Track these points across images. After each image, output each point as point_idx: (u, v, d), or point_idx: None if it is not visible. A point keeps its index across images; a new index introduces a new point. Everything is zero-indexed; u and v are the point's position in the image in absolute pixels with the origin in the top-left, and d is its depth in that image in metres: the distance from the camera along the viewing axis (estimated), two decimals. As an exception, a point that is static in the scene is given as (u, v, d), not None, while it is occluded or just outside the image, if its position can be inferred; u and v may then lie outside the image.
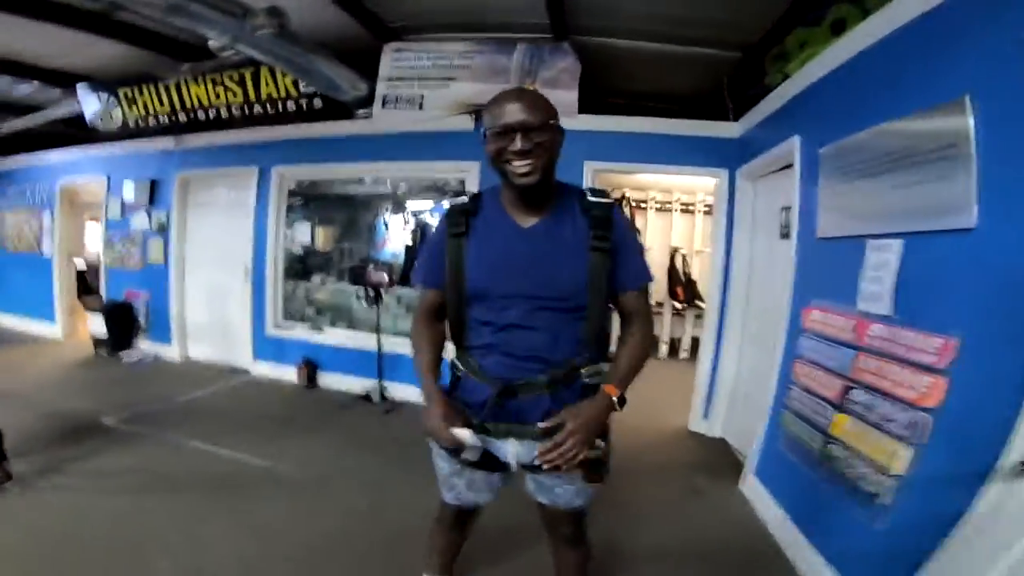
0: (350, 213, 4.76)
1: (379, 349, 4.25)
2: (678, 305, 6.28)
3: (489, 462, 1.38)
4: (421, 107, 3.77)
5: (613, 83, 4.09)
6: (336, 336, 4.70)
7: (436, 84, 3.73)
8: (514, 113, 1.17)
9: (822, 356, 2.28)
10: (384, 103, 3.82)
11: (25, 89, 5.04)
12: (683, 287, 6.15)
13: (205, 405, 4.08)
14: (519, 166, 1.18)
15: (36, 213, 6.37)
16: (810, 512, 2.24)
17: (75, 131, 5.48)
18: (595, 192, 1.30)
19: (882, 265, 1.95)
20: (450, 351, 1.40)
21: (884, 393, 1.84)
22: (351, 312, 4.74)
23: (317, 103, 4.08)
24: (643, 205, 6.62)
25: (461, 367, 1.35)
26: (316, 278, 4.88)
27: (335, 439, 3.45)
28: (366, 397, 4.25)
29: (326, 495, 2.70)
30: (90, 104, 4.98)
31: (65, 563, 1.99)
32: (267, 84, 4.14)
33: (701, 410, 3.89)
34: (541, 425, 1.20)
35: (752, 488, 2.79)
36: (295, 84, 4.04)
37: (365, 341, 4.45)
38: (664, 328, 6.50)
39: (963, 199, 1.57)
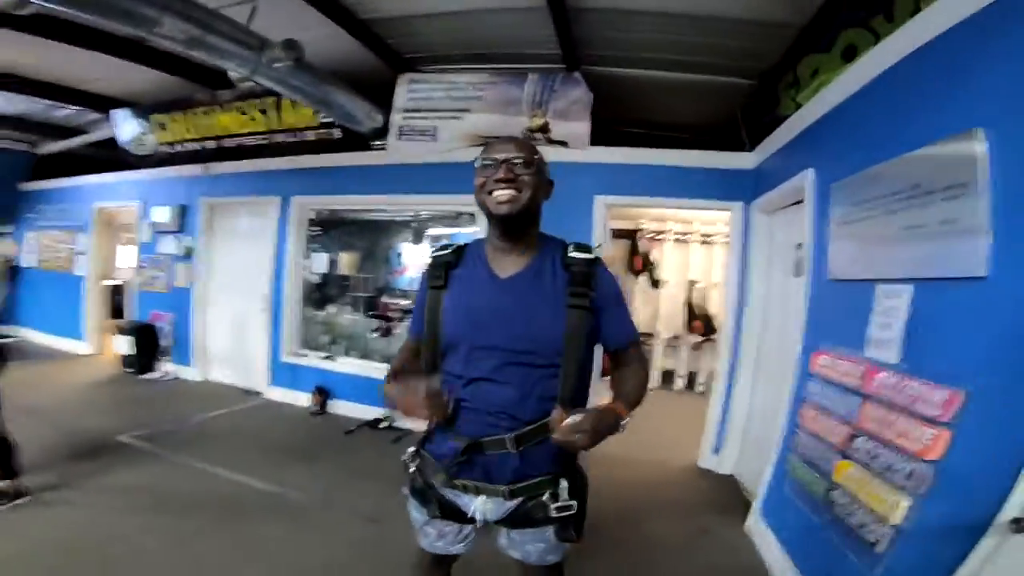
0: (367, 242, 4.86)
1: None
2: (696, 339, 6.17)
3: (458, 515, 1.36)
4: (435, 138, 3.85)
5: (626, 113, 4.11)
6: (348, 365, 4.74)
7: (450, 115, 3.80)
8: (503, 150, 1.24)
9: (829, 401, 2.22)
10: (400, 134, 3.91)
11: (64, 113, 5.36)
12: (701, 320, 6.05)
13: (218, 427, 4.14)
14: (499, 194, 1.21)
15: (71, 234, 6.65)
16: (811, 558, 2.16)
17: (112, 155, 5.75)
18: (578, 247, 1.28)
19: (891, 311, 1.90)
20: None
21: (887, 443, 1.78)
22: (364, 341, 4.79)
23: (336, 133, 4.22)
24: (660, 237, 6.59)
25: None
26: (331, 307, 4.96)
27: (341, 466, 3.45)
28: (374, 424, 4.25)
29: (327, 523, 2.69)
30: (124, 129, 5.23)
31: (62, 572, 2.02)
32: (289, 114, 4.30)
33: (712, 446, 3.79)
34: (555, 415, 1.11)
35: (758, 530, 2.69)
36: (315, 114, 4.17)
37: (375, 371, 4.48)
38: (681, 362, 6.39)
39: (974, 245, 1.51)
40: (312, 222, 4.99)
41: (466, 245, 1.38)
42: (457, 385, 1.26)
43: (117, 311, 6.70)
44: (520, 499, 1.29)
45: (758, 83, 3.44)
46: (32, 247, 7.02)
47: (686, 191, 3.80)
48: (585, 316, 1.22)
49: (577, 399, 1.27)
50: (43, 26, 3.37)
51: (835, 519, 1.98)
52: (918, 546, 1.58)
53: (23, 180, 7.15)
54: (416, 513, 1.45)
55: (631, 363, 1.35)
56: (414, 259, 4.65)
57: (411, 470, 1.39)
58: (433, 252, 1.38)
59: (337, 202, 4.81)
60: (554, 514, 1.25)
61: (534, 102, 3.65)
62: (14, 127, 6.08)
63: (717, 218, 5.97)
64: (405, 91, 3.92)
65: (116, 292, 7.04)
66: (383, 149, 4.11)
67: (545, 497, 1.26)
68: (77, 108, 5.34)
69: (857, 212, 2.16)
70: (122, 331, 5.60)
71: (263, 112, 4.43)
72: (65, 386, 4.99)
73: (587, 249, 1.28)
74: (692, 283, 6.21)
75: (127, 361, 5.57)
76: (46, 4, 2.24)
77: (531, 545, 1.36)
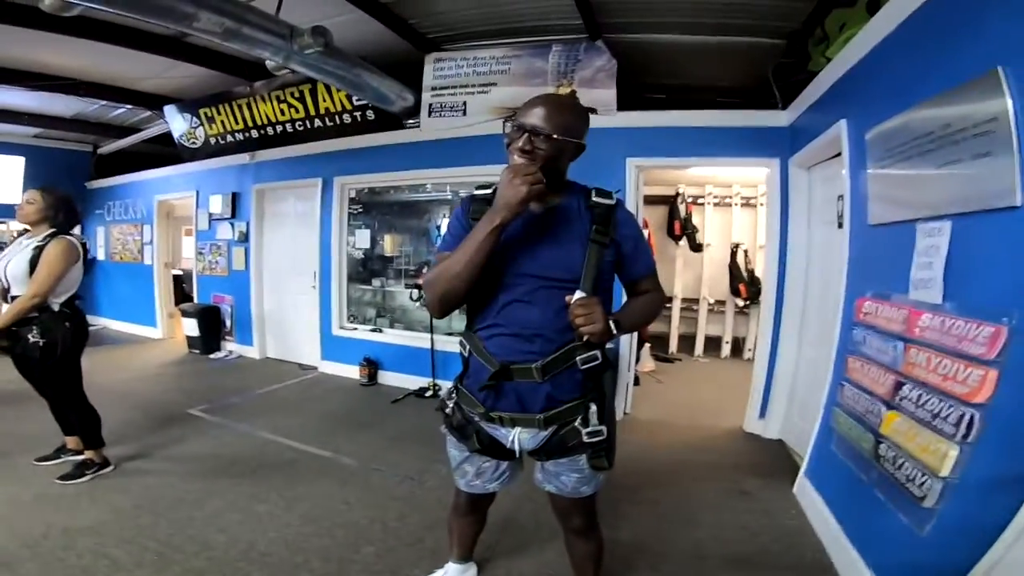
0: (408, 218, 4.98)
1: (432, 348, 4.41)
2: (741, 303, 6.02)
3: (496, 449, 1.45)
4: (464, 113, 3.90)
5: (654, 78, 4.04)
6: (394, 336, 4.92)
7: (477, 90, 3.85)
8: (532, 116, 1.28)
9: (874, 350, 2.15)
10: (430, 112, 3.98)
11: (118, 112, 5.70)
12: (746, 284, 5.88)
13: (277, 399, 4.41)
14: (518, 160, 1.29)
15: (138, 227, 7.12)
16: (858, 517, 2.11)
17: (170, 150, 6.08)
18: (600, 193, 1.39)
19: (931, 250, 1.82)
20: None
21: (934, 388, 1.71)
22: (408, 314, 4.94)
23: (370, 115, 4.32)
24: (700, 201, 6.41)
25: (468, 346, 1.41)
26: (376, 282, 5.13)
27: (387, 432, 3.62)
28: (419, 394, 4.42)
29: (373, 483, 2.85)
30: (177, 124, 5.52)
31: (137, 538, 2.23)
32: (324, 99, 4.43)
33: (757, 410, 3.73)
34: (569, 298, 1.26)
35: (804, 492, 2.65)
36: (349, 98, 4.29)
37: (420, 341, 4.63)
38: (726, 327, 6.26)
39: (1007, 177, 1.44)
40: (353, 201, 5.16)
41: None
42: (491, 310, 1.36)
43: (184, 296, 7.16)
44: (554, 427, 1.37)
45: (787, 42, 3.35)
46: (102, 242, 7.55)
47: (720, 150, 3.72)
48: (603, 251, 1.32)
49: None
50: (92, 28, 3.58)
51: (882, 475, 1.92)
52: (969, 498, 1.51)
53: (88, 179, 7.67)
54: (454, 451, 1.55)
55: (644, 292, 1.49)
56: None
57: (449, 407, 1.49)
58: (475, 190, 1.48)
59: (375, 180, 4.95)
60: (586, 439, 1.34)
61: (559, 72, 3.66)
62: (74, 128, 6.52)
63: (757, 180, 5.78)
64: (432, 70, 3.99)
65: (181, 279, 7.52)
66: (416, 127, 4.18)
67: (577, 423, 1.35)
68: (130, 107, 5.68)
69: (892, 157, 2.08)
70: (188, 315, 6.00)
71: (300, 99, 4.59)
72: (140, 367, 5.42)
73: (608, 195, 1.39)
74: (736, 246, 6.03)
75: (194, 342, 5.97)
76: (89, 5, 2.39)
77: (566, 476, 1.43)
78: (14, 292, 2.56)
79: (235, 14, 2.76)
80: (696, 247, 6.27)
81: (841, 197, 2.80)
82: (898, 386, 1.93)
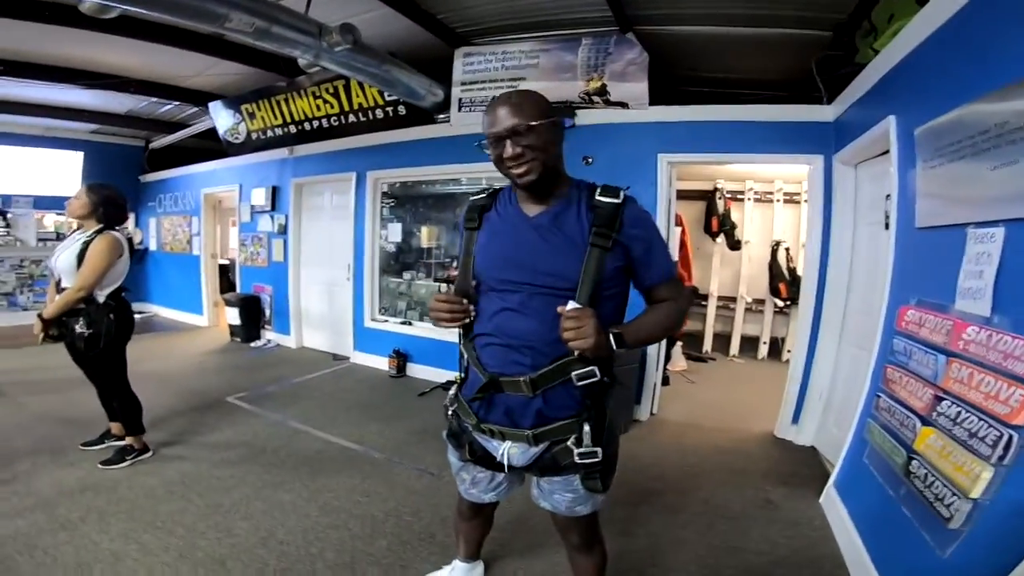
0: (439, 212, 5.00)
1: (460, 342, 4.42)
2: (780, 303, 5.78)
3: (489, 461, 1.42)
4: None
5: (688, 72, 3.90)
6: (423, 330, 4.95)
7: (506, 85, 3.80)
8: (502, 120, 1.21)
9: (914, 361, 2.01)
10: (460, 106, 3.97)
11: (166, 108, 5.93)
12: (787, 284, 5.64)
13: (309, 389, 4.51)
14: (516, 172, 1.24)
15: (187, 218, 7.41)
16: (882, 534, 2.01)
17: (216, 145, 6.31)
18: (606, 191, 1.27)
19: (982, 257, 1.68)
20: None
21: (974, 406, 1.59)
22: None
23: (401, 110, 4.36)
24: (739, 196, 6.18)
25: (465, 356, 1.39)
26: (407, 275, 5.19)
27: (412, 425, 3.65)
28: (446, 387, 4.43)
29: (393, 476, 2.88)
30: (221, 120, 5.71)
31: (166, 523, 2.32)
32: (357, 95, 4.48)
33: (790, 415, 3.58)
34: (561, 308, 1.17)
35: (831, 503, 2.53)
36: (380, 93, 4.32)
37: (448, 335, 4.64)
38: (764, 327, 6.03)
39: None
40: (386, 195, 5.21)
41: (500, 189, 1.42)
42: (485, 318, 1.31)
43: (229, 286, 7.43)
44: (545, 444, 1.31)
45: (833, 34, 3.18)
46: (154, 232, 7.90)
47: (760, 146, 3.54)
48: (605, 255, 1.22)
49: None
50: (137, 28, 3.71)
51: (911, 493, 1.82)
52: (997, 522, 1.42)
53: (141, 172, 8.03)
54: (452, 457, 1.54)
55: (662, 301, 1.34)
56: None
57: (449, 413, 1.46)
58: (471, 196, 1.44)
59: (407, 174, 4.98)
60: (578, 460, 1.27)
61: (589, 66, 3.58)
62: (128, 124, 6.82)
63: (801, 176, 5.52)
64: (461, 64, 3.98)
65: (226, 269, 7.80)
66: (446, 122, 4.17)
67: (570, 442, 1.28)
68: (177, 103, 5.90)
69: (943, 156, 1.94)
70: (230, 304, 6.22)
71: (335, 94, 4.67)
72: (184, 354, 5.65)
73: (614, 192, 1.26)
74: (776, 244, 5.79)
75: (235, 331, 6.19)
76: (125, 7, 2.47)
77: (559, 495, 1.38)
78: (64, 284, 2.69)
79: (265, 13, 2.80)
80: (734, 244, 6.06)
81: (888, 197, 2.64)
82: (936, 401, 1.81)
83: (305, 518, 2.41)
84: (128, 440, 2.93)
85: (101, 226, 2.75)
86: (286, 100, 5.05)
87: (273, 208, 6.06)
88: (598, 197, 1.26)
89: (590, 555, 1.54)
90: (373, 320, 5.26)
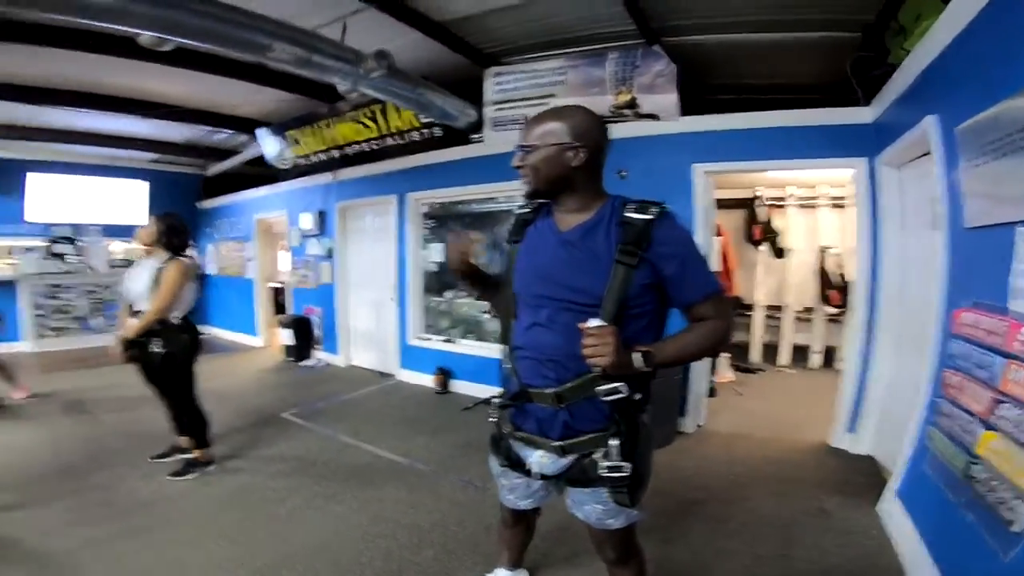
0: (479, 230, 5.07)
1: (502, 360, 4.47)
2: (832, 311, 5.59)
3: (524, 468, 1.46)
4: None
5: (719, 80, 3.88)
6: (466, 347, 5.05)
7: (536, 102, 3.88)
8: (521, 135, 1.35)
9: (971, 364, 1.96)
10: (493, 125, 4.08)
11: (220, 136, 6.29)
12: (839, 290, 5.46)
13: (357, 405, 4.67)
14: (522, 181, 1.36)
15: (241, 243, 7.81)
16: (945, 541, 1.95)
17: (267, 171, 6.63)
18: (639, 207, 1.27)
19: (1034, 255, 1.63)
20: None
21: (1034, 408, 1.54)
22: (479, 325, 5.06)
23: (437, 132, 4.50)
24: (782, 203, 6.03)
25: (506, 364, 1.45)
26: (448, 293, 5.30)
27: (456, 439, 3.72)
28: (489, 402, 4.48)
29: (440, 488, 2.96)
30: (268, 146, 6.03)
31: (227, 532, 2.46)
32: (394, 118, 4.67)
33: (846, 424, 3.46)
34: (581, 325, 1.18)
35: (890, 511, 2.45)
36: (416, 116, 4.49)
37: (490, 351, 4.73)
38: (816, 336, 5.83)
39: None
40: (427, 216, 5.37)
41: (544, 204, 1.45)
42: (520, 330, 1.37)
43: (280, 308, 7.76)
44: (575, 456, 1.35)
45: (862, 36, 3.13)
46: (212, 257, 8.35)
47: (800, 151, 3.49)
48: (631, 273, 1.22)
49: None
50: (190, 59, 3.93)
51: (974, 498, 1.77)
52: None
53: (198, 199, 8.53)
54: (492, 464, 1.59)
55: (701, 319, 1.29)
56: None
57: (490, 420, 1.52)
58: (516, 210, 1.51)
59: (445, 195, 5.12)
60: (605, 473, 1.29)
61: (617, 80, 3.63)
62: (186, 153, 7.23)
63: (845, 179, 5.36)
64: (492, 84, 4.10)
65: (278, 291, 8.16)
66: (480, 141, 4.29)
67: (597, 455, 1.31)
68: (229, 131, 6.26)
69: (987, 153, 1.88)
70: (283, 325, 6.51)
71: (372, 119, 4.88)
72: (241, 373, 5.93)
73: (646, 208, 1.25)
74: (824, 249, 5.62)
75: (288, 351, 6.45)
76: (179, 40, 2.68)
77: (589, 506, 1.40)
78: (137, 308, 2.91)
79: (305, 43, 2.98)
80: (778, 252, 5.90)
81: (935, 198, 2.56)
82: (996, 404, 1.75)
83: (355, 528, 2.51)
84: (196, 453, 3.11)
85: (170, 253, 2.97)
86: (327, 125, 5.31)
87: (320, 232, 6.32)
88: (627, 213, 1.26)
89: (625, 569, 1.55)
90: (417, 338, 5.39)
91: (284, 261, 7.52)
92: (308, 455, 3.45)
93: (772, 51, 3.46)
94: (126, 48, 3.15)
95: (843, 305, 5.34)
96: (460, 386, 4.98)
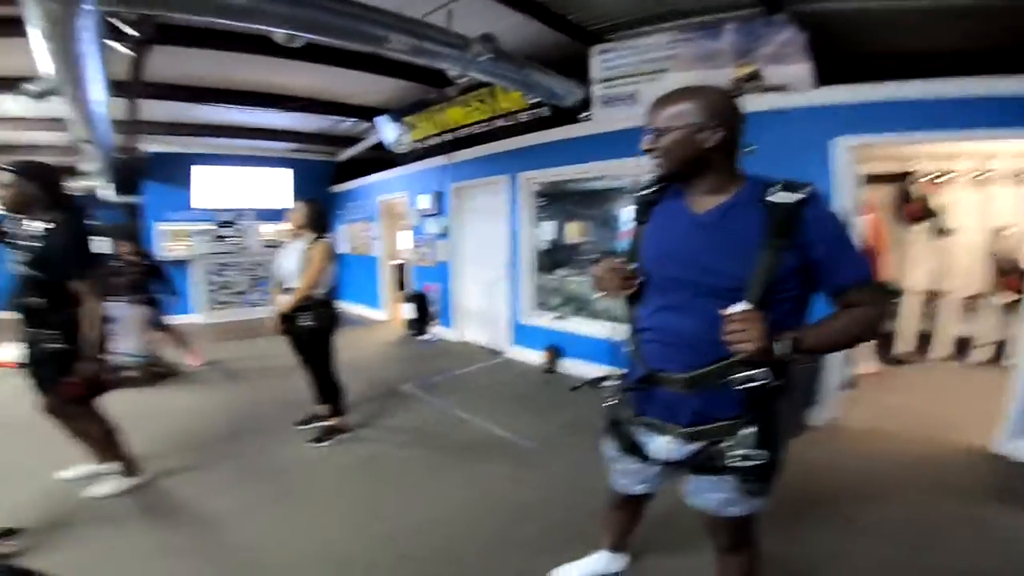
0: (590, 208, 5.02)
1: (613, 338, 4.42)
2: (1007, 297, 4.75)
3: (643, 453, 1.43)
4: (636, 103, 3.79)
5: (862, 47, 3.38)
6: (577, 325, 5.05)
7: (648, 79, 3.70)
8: (649, 114, 1.32)
9: None
10: (602, 103, 3.95)
11: (345, 125, 6.76)
12: (1018, 275, 4.62)
13: (470, 380, 4.90)
14: (653, 163, 1.32)
15: (367, 224, 8.41)
16: None
17: (388, 155, 7.01)
18: (786, 186, 1.20)
19: None
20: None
21: None
22: (590, 303, 5.01)
23: (545, 112, 4.48)
24: (944, 178, 5.13)
25: (629, 346, 1.43)
26: (561, 271, 5.31)
27: (564, 418, 3.77)
28: (598, 382, 4.45)
29: (545, 467, 3.03)
30: (387, 132, 6.38)
31: (357, 499, 2.72)
32: (502, 99, 4.71)
33: (1012, 427, 2.98)
34: (724, 311, 1.15)
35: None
36: (523, 97, 4.49)
37: (602, 330, 4.68)
38: (983, 327, 4.99)
39: None
40: (538, 194, 5.39)
41: (671, 184, 1.41)
42: (646, 314, 1.35)
43: (402, 284, 8.29)
44: (702, 443, 1.30)
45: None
46: (344, 237, 9.09)
47: (969, 121, 2.97)
48: (780, 256, 1.16)
49: None
50: (315, 54, 4.14)
51: None
52: None
53: (330, 184, 9.30)
54: (608, 448, 1.58)
55: (851, 306, 1.22)
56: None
57: (608, 404, 1.51)
58: (640, 189, 1.48)
59: (555, 174, 5.09)
60: (736, 462, 1.25)
61: (737, 52, 3.34)
62: (318, 141, 7.89)
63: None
64: (598, 62, 3.98)
65: (400, 268, 8.70)
66: (589, 120, 4.19)
67: (728, 443, 1.26)
68: (353, 120, 6.72)
69: None
70: (404, 300, 6.95)
71: (482, 101, 4.99)
72: (368, 346, 6.46)
73: (794, 188, 1.19)
74: (999, 229, 4.76)
75: (408, 324, 6.90)
76: (308, 36, 2.90)
77: (711, 494, 1.36)
78: (288, 285, 3.25)
79: (417, 32, 3.09)
80: (940, 232, 5.07)
81: None
82: None
83: (464, 500, 2.66)
84: (333, 421, 3.44)
85: (316, 234, 3.27)
86: (440, 110, 5.51)
87: (437, 212, 6.60)
88: (774, 195, 1.20)
89: (737, 558, 1.49)
90: (528, 316, 5.49)
91: (405, 240, 7.98)
92: (425, 427, 3.69)
93: (918, 16, 2.97)
94: (263, 46, 3.43)
95: (1020, 291, 4.52)
96: (569, 364, 5.00)
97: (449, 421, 3.80)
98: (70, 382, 2.33)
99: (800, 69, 3.18)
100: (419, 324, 6.79)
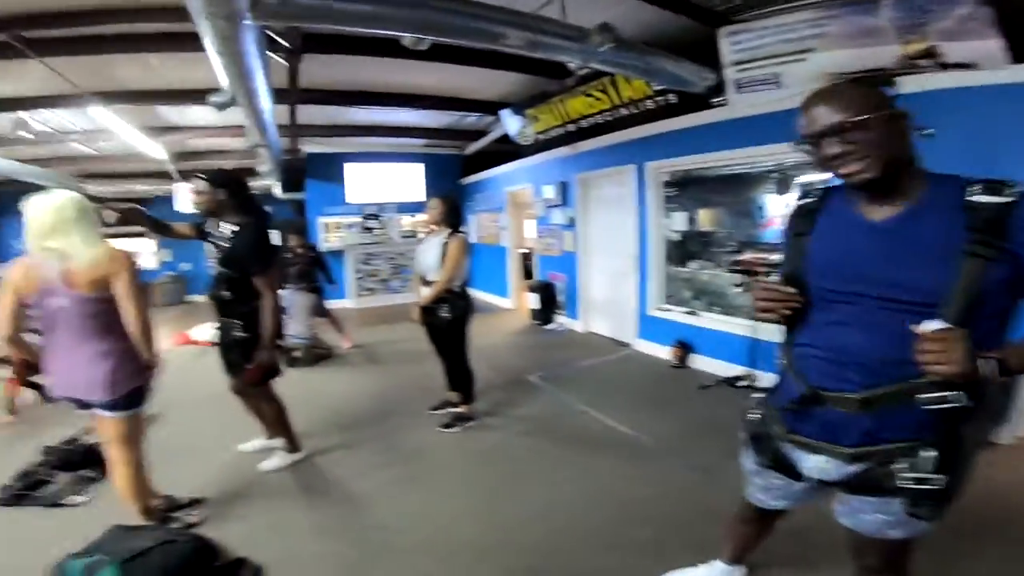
0: (726, 197, 4.68)
1: (753, 336, 4.15)
2: None
3: (789, 470, 1.35)
4: (779, 85, 3.45)
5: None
6: (710, 320, 4.81)
7: (791, 59, 3.35)
8: (821, 117, 1.11)
9: None
10: (738, 87, 3.65)
11: (470, 119, 7.00)
12: None
13: (594, 372, 4.89)
14: (844, 171, 1.11)
15: (495, 214, 8.69)
16: None
17: (513, 148, 7.15)
18: (988, 187, 1.04)
19: None
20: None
21: None
22: (726, 297, 4.73)
23: (672, 98, 4.25)
24: None
25: (783, 360, 1.34)
26: (693, 264, 5.06)
27: (690, 418, 3.65)
28: (731, 382, 4.23)
29: (664, 466, 2.96)
30: (511, 125, 6.50)
31: (476, 484, 2.87)
32: (625, 88, 4.55)
33: None
34: (918, 328, 1.00)
35: None
36: (648, 84, 4.30)
37: (738, 327, 4.41)
38: None
39: None
40: (667, 183, 5.17)
41: (832, 188, 1.30)
42: (810, 329, 1.25)
43: (528, 273, 8.47)
44: (866, 464, 1.19)
45: None
46: (474, 227, 9.49)
47: None
48: (988, 266, 1.01)
49: None
50: (437, 54, 4.14)
51: None
52: None
53: (459, 177, 9.74)
54: (747, 461, 1.51)
55: None
56: (780, 210, 4.22)
57: (752, 417, 1.43)
58: (798, 199, 1.37)
59: (686, 162, 4.85)
60: (908, 485, 1.12)
61: (902, 26, 2.89)
62: (447, 136, 8.27)
63: None
64: (728, 44, 3.69)
65: (527, 257, 8.89)
66: (723, 105, 3.90)
67: (901, 464, 1.13)
68: (477, 115, 6.95)
69: None
70: (531, 290, 7.11)
71: (603, 91, 4.88)
72: (495, 334, 6.69)
73: (998, 189, 1.04)
74: None
75: (535, 314, 7.04)
76: (433, 37, 2.99)
77: (870, 515, 1.24)
78: (429, 278, 3.48)
79: (534, 27, 3.08)
80: None
81: None
82: None
83: (580, 494, 2.69)
84: (462, 408, 3.64)
85: (452, 229, 3.46)
86: (560, 102, 5.48)
87: (562, 202, 6.63)
88: (974, 196, 1.05)
89: None
90: (656, 309, 5.33)
91: (530, 229, 8.11)
92: (547, 418, 3.77)
93: None
94: (394, 49, 3.61)
95: None
96: (700, 361, 4.79)
97: (571, 413, 3.85)
98: (251, 368, 2.72)
99: (987, 45, 2.69)
100: (545, 314, 6.90)
